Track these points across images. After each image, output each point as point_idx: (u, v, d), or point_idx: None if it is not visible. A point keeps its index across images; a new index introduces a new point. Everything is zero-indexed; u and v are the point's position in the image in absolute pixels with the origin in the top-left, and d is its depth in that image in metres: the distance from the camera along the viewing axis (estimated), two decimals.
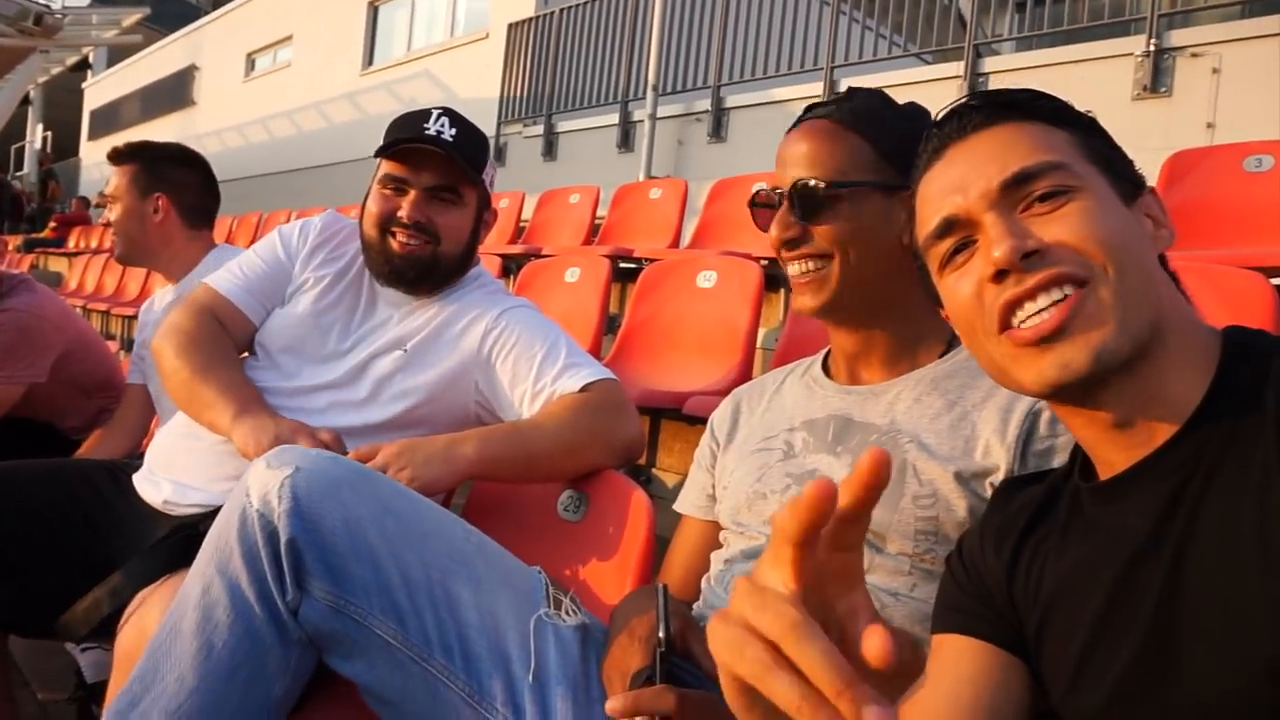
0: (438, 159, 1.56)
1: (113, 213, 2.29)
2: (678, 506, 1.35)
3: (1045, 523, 0.84)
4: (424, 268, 1.60)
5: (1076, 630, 0.76)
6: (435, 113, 1.59)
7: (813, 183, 1.10)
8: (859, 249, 1.10)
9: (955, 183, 0.81)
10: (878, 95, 1.17)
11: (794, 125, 1.18)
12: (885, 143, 1.12)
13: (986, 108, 0.83)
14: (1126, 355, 0.73)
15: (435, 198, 1.59)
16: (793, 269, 1.14)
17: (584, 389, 1.51)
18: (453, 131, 1.57)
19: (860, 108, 1.14)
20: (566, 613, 1.10)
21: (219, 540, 1.07)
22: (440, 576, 1.08)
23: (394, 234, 1.59)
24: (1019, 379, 0.77)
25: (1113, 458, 0.77)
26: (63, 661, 2.11)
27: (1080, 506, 0.80)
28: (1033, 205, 0.77)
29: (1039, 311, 0.75)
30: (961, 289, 0.80)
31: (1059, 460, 0.97)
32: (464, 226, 1.64)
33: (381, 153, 1.59)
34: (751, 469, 1.18)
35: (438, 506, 1.19)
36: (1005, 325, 0.77)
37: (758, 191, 1.18)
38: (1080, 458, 0.83)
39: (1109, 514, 0.76)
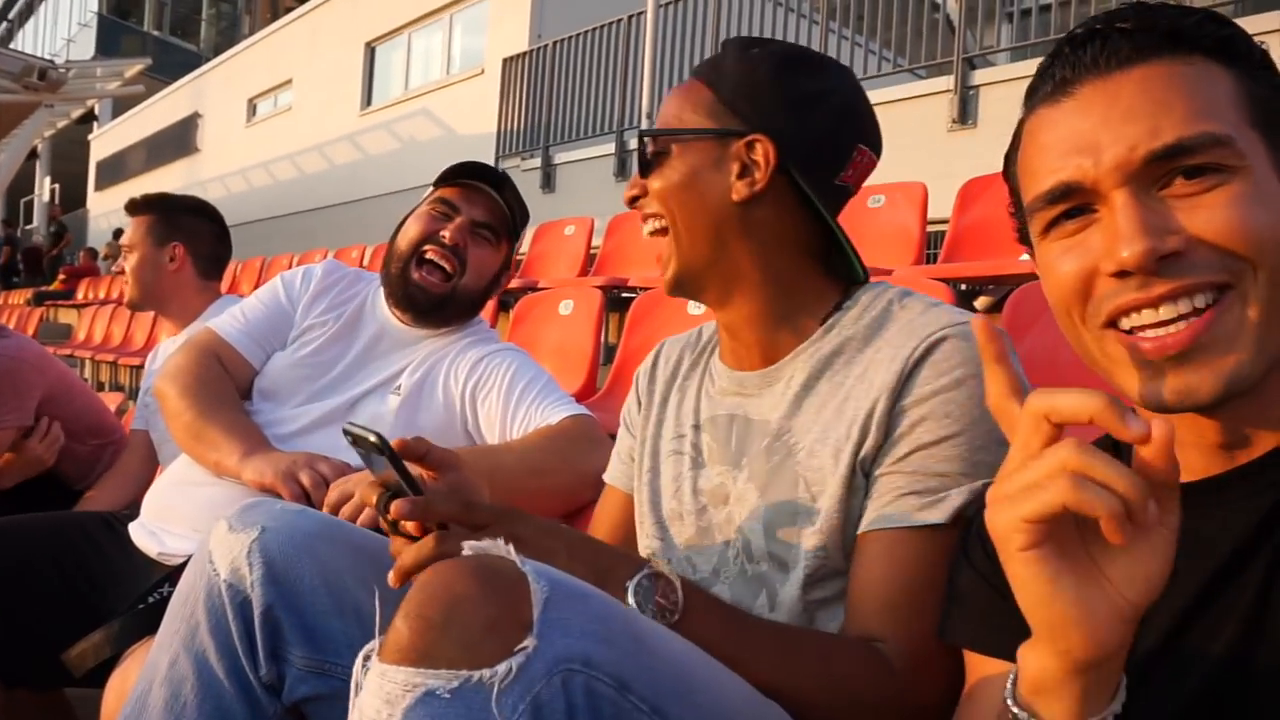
0: (490, 199, 1.67)
1: (128, 261, 2.37)
2: (606, 477, 1.28)
3: None
4: (438, 301, 1.65)
5: (1147, 626, 0.68)
6: (498, 172, 1.71)
7: (643, 136, 1.05)
8: (689, 209, 1.02)
9: (1084, 139, 0.67)
10: (736, 41, 1.08)
11: None
12: (722, 88, 1.02)
13: (1140, 34, 0.67)
14: (1259, 379, 0.64)
15: (477, 231, 1.66)
16: (645, 232, 1.08)
17: (560, 422, 1.56)
18: (508, 189, 1.70)
19: (714, 58, 1.07)
20: None
21: (184, 611, 1.02)
22: None
23: (424, 254, 1.64)
24: (1121, 386, 0.68)
25: (1195, 463, 0.69)
26: None
27: None
28: (1175, 182, 0.64)
29: (1163, 323, 0.64)
30: (1063, 266, 0.69)
31: (924, 430, 0.92)
32: (490, 268, 1.70)
33: (442, 181, 1.68)
34: (670, 477, 1.13)
35: None
36: (1113, 322, 0.67)
37: None
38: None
39: (1197, 518, 0.65)
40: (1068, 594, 0.55)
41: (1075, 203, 0.68)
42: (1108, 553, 0.55)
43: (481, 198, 1.66)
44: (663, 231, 1.04)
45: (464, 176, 1.67)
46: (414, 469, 0.94)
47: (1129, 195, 0.64)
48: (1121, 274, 0.64)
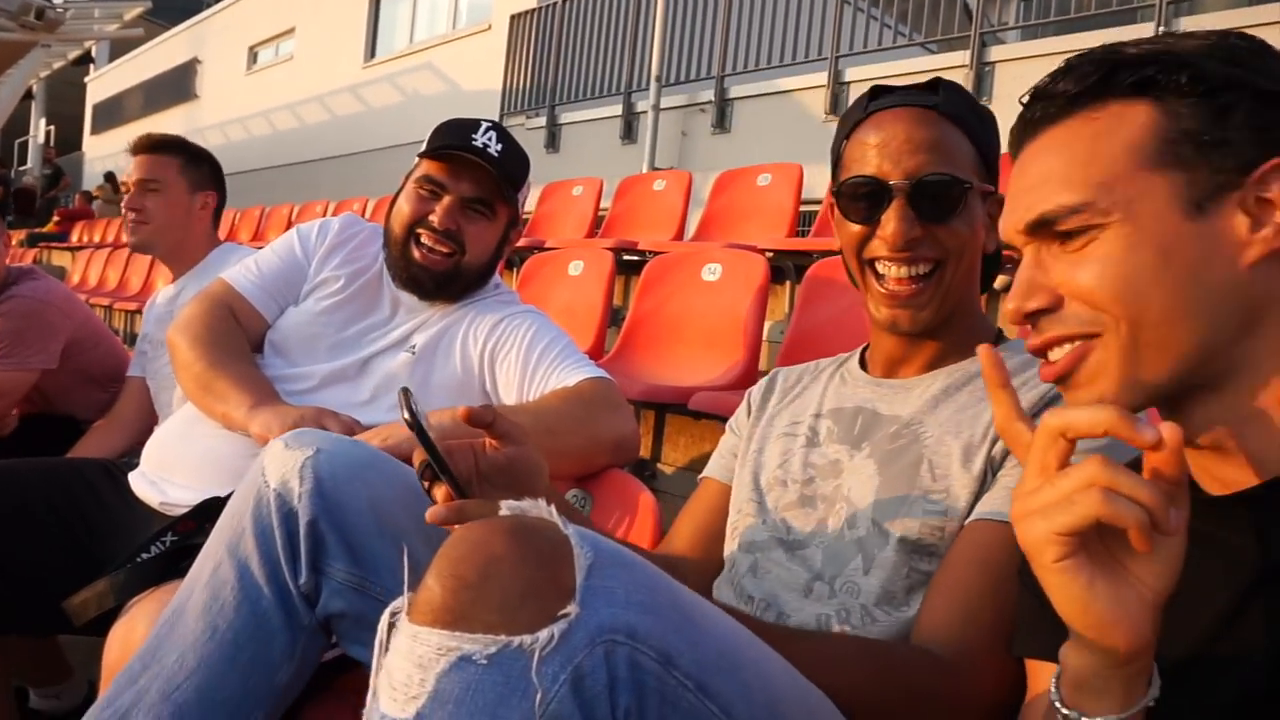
0: (478, 170, 1.56)
1: (150, 199, 2.29)
2: (706, 471, 1.29)
3: None
4: (442, 279, 1.60)
5: (1177, 638, 0.70)
6: (484, 125, 1.58)
7: (948, 180, 1.02)
8: (968, 256, 1.06)
9: (1010, 203, 0.77)
10: (964, 90, 1.11)
11: (874, 109, 1.08)
12: (982, 143, 1.07)
13: (1057, 98, 0.74)
14: (1140, 404, 0.70)
15: (468, 208, 1.58)
16: (895, 271, 1.04)
17: (577, 384, 1.51)
18: (498, 147, 1.56)
19: (961, 102, 1.07)
20: None
21: (232, 520, 1.04)
22: None
23: (419, 237, 1.58)
24: None
25: (1218, 473, 0.72)
26: None
27: None
28: (1060, 240, 0.72)
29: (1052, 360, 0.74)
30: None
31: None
32: (491, 240, 1.63)
33: (425, 155, 1.58)
34: (778, 452, 1.16)
35: None
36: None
37: (856, 179, 1.06)
38: None
39: (1227, 529, 0.70)
40: (1104, 597, 0.59)
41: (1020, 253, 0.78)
42: (1130, 550, 0.59)
43: (468, 170, 1.55)
44: (928, 275, 1.05)
45: (447, 147, 1.56)
46: (447, 436, 0.95)
47: (1028, 254, 0.74)
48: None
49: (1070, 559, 0.59)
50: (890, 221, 1.02)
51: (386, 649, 0.71)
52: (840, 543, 1.03)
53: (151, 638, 1.04)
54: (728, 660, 0.75)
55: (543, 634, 0.66)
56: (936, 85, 1.08)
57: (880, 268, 1.06)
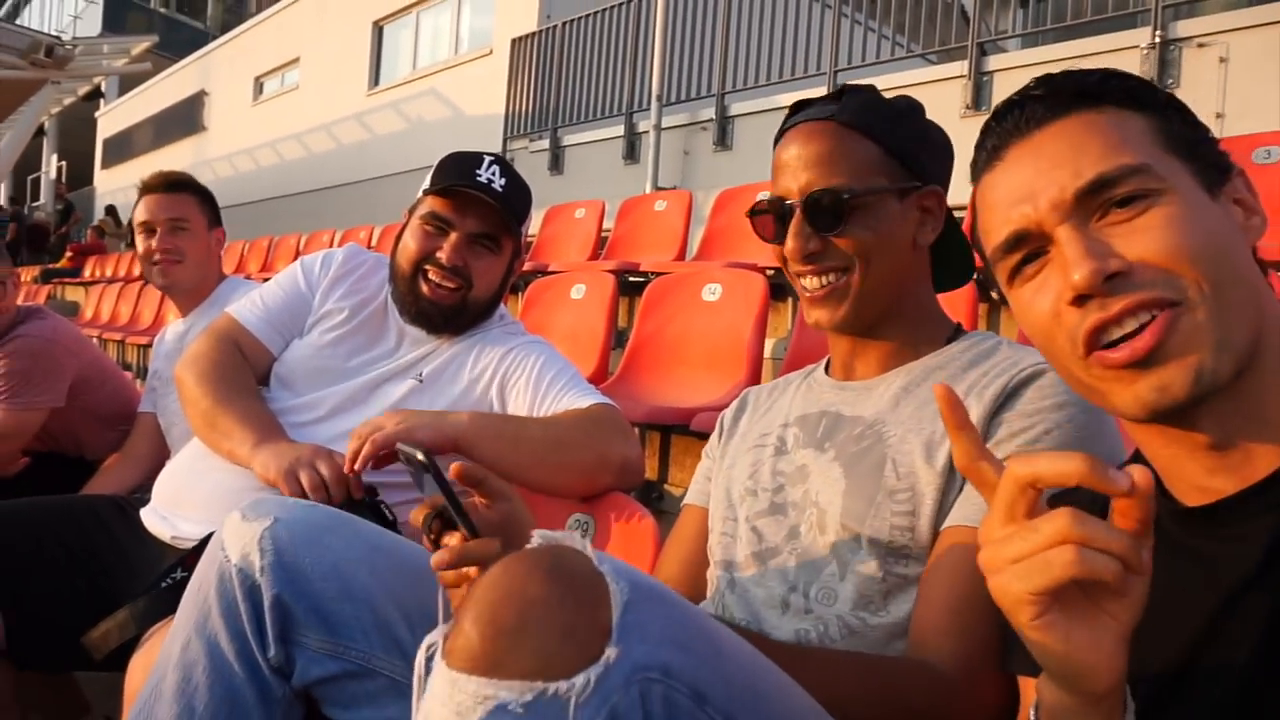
0: (484, 206, 1.58)
1: (181, 238, 2.30)
2: (686, 499, 1.31)
3: None
4: (451, 313, 1.62)
5: (1157, 653, 0.70)
6: (487, 159, 1.60)
7: (830, 192, 1.05)
8: (879, 258, 1.07)
9: (1022, 190, 0.73)
10: (873, 92, 1.12)
11: (786, 127, 1.13)
12: (892, 142, 1.08)
13: (1050, 98, 0.75)
14: (1229, 374, 0.67)
15: (475, 243, 1.61)
16: (808, 282, 1.09)
17: (587, 407, 1.54)
18: (502, 181, 1.59)
19: (859, 106, 1.09)
20: None
21: (197, 598, 1.05)
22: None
23: (426, 273, 1.60)
24: (1112, 402, 0.72)
25: (1200, 480, 0.72)
26: None
27: (1157, 525, 0.74)
28: (1110, 212, 0.70)
29: (1128, 335, 0.69)
30: (1037, 306, 0.74)
31: (1020, 440, 0.97)
32: (497, 274, 1.66)
33: (430, 192, 1.60)
34: (747, 465, 1.17)
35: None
36: (1092, 348, 0.70)
37: (760, 202, 1.12)
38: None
39: (1205, 541, 0.71)
40: (1082, 645, 0.59)
41: (1029, 248, 0.74)
42: (1101, 589, 0.58)
43: (474, 206, 1.58)
44: (837, 280, 1.08)
45: (452, 184, 1.58)
46: (462, 487, 0.96)
47: (1070, 229, 0.71)
48: (1080, 300, 0.70)
49: (1046, 615, 0.58)
50: (789, 238, 1.08)
51: (424, 687, 0.72)
52: (814, 548, 1.04)
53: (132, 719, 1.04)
54: (753, 692, 0.76)
55: (579, 679, 0.66)
56: (840, 94, 1.11)
57: (802, 280, 1.11)
